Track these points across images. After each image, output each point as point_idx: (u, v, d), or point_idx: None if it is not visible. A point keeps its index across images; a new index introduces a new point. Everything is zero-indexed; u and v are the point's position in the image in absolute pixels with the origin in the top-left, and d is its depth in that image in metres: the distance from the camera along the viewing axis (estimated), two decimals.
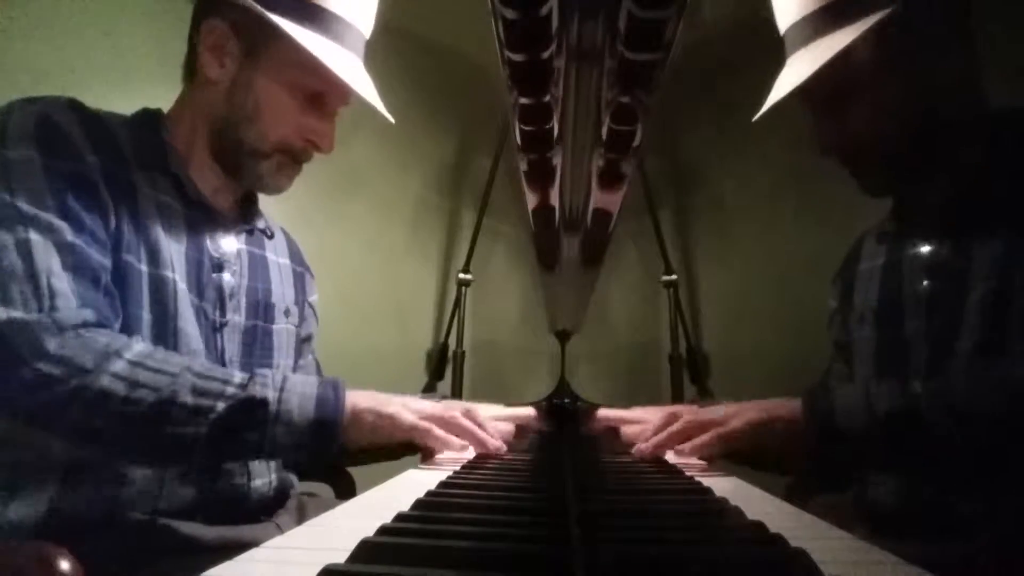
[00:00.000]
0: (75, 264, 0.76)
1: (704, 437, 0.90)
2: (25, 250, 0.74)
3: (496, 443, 0.97)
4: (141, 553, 0.76)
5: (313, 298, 1.15)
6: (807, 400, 0.84)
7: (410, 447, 0.94)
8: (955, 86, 0.88)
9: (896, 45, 0.85)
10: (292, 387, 0.81)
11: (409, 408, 0.90)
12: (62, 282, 0.75)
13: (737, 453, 0.90)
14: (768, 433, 0.86)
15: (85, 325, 0.74)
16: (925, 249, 0.92)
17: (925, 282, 0.90)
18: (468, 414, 0.97)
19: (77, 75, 1.13)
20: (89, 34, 1.17)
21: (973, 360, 0.81)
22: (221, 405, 0.76)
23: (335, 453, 0.84)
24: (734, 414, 0.89)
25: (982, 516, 0.77)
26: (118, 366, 0.73)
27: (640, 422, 1.11)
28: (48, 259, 0.75)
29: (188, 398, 0.74)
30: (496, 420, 1.05)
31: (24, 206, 0.75)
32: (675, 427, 0.94)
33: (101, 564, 0.64)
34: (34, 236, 0.75)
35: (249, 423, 0.77)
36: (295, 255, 1.13)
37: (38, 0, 1.07)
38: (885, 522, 0.89)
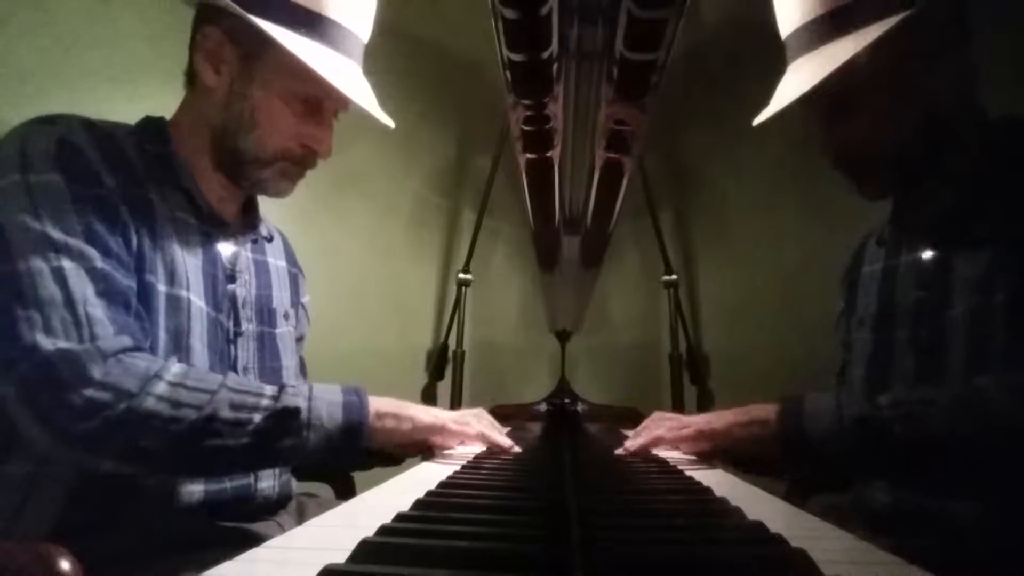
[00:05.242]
0: (107, 290, 0.78)
1: (686, 432, 0.97)
2: (60, 278, 0.75)
3: (508, 441, 1.03)
4: (146, 550, 0.77)
5: (306, 299, 1.16)
6: (782, 404, 0.88)
7: (422, 448, 1.00)
8: (954, 94, 0.89)
9: (898, 53, 0.85)
10: (319, 395, 0.84)
11: (423, 410, 0.96)
12: (98, 310, 0.76)
13: (725, 453, 0.95)
14: (746, 433, 0.91)
15: (125, 350, 0.76)
16: (918, 258, 0.92)
17: (915, 291, 0.91)
18: (480, 417, 1.04)
19: (77, 76, 1.13)
20: (89, 35, 1.17)
21: (951, 373, 0.83)
22: (258, 416, 0.79)
23: (362, 453, 0.89)
24: (716, 417, 0.96)
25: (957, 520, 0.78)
26: (160, 388, 0.75)
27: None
28: (83, 287, 0.76)
29: (227, 413, 0.77)
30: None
31: (54, 233, 0.76)
32: (661, 430, 1.01)
33: (106, 562, 0.64)
34: (67, 263, 0.76)
35: (286, 431, 0.81)
36: (290, 257, 1.14)
37: (38, 1, 1.07)
38: (882, 521, 0.89)
